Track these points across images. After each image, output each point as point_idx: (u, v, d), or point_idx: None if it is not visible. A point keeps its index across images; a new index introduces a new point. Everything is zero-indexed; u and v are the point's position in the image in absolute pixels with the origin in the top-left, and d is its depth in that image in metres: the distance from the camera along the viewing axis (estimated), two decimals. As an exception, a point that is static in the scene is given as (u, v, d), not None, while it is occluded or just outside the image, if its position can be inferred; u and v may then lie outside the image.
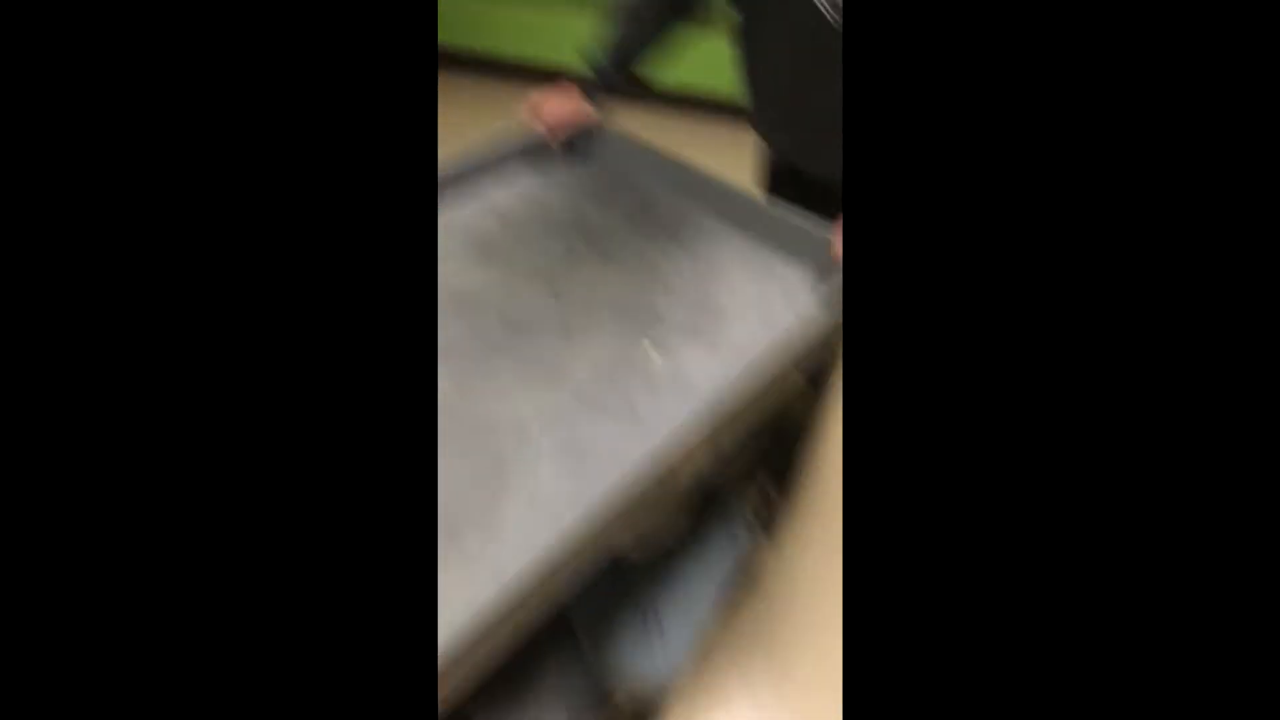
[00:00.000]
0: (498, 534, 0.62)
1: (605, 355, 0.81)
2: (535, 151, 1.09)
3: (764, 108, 1.06)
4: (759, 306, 0.89)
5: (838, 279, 0.88)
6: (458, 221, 0.99)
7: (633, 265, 0.94)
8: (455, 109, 2.56)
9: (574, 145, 1.13)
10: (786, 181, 1.14)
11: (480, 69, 2.76)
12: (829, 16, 0.88)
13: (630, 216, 1.02)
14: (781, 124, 1.06)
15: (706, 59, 2.02)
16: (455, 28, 2.66)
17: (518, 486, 0.66)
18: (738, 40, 1.01)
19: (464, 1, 2.61)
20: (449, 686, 0.54)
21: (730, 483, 1.15)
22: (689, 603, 1.07)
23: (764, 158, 1.18)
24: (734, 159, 1.29)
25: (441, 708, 0.55)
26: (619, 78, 1.08)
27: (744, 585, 1.30)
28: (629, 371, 0.79)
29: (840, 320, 0.88)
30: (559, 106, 1.07)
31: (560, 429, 0.72)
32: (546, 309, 0.86)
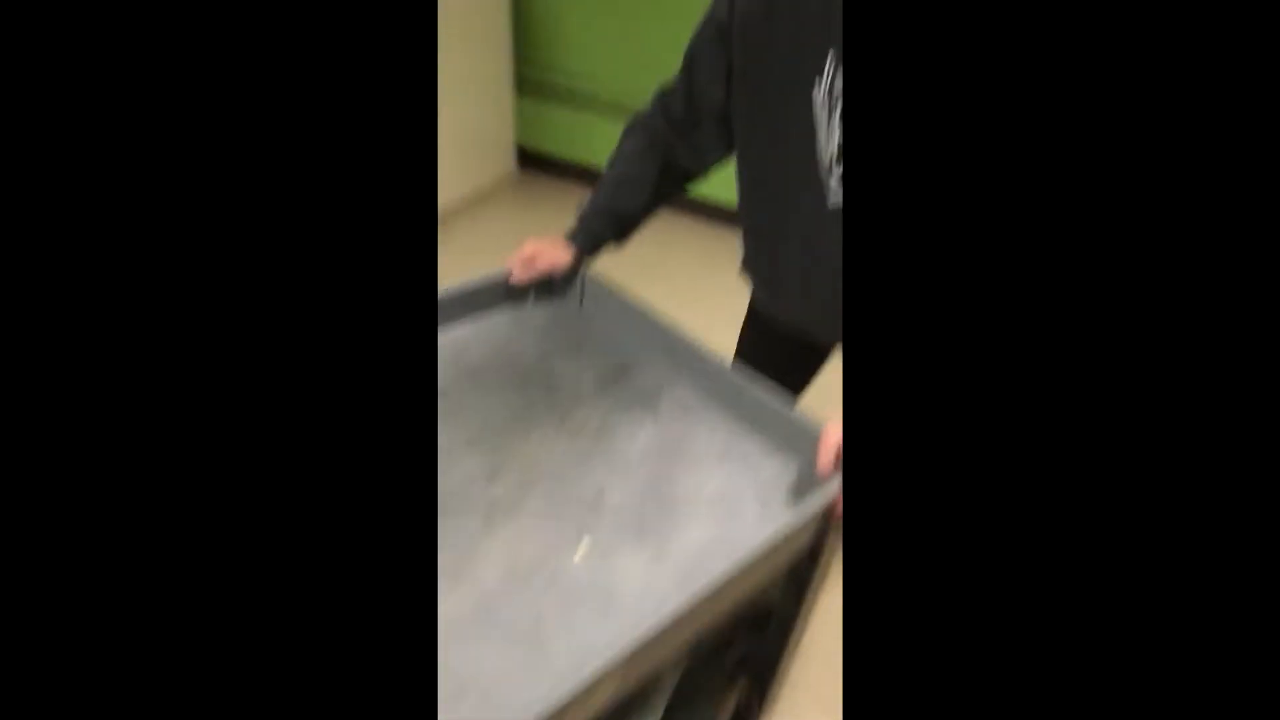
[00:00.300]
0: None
1: (525, 553, 0.69)
2: (513, 292, 1.03)
3: (754, 258, 0.98)
4: (725, 505, 0.76)
5: (829, 488, 0.73)
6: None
7: (590, 434, 0.83)
8: (531, 208, 2.75)
9: (553, 288, 1.06)
10: (764, 327, 1.05)
11: (557, 171, 2.91)
12: (830, 198, 0.80)
13: (601, 377, 0.93)
14: (769, 279, 0.98)
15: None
16: (534, 131, 2.84)
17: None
18: (739, 196, 0.94)
19: (544, 109, 2.77)
20: None
21: (690, 694, 0.99)
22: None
23: (751, 298, 1.09)
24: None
25: None
26: (606, 237, 1.02)
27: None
28: (547, 579, 0.67)
29: (825, 528, 0.75)
30: (538, 247, 1.01)
31: (443, 651, 0.60)
32: (475, 486, 0.76)
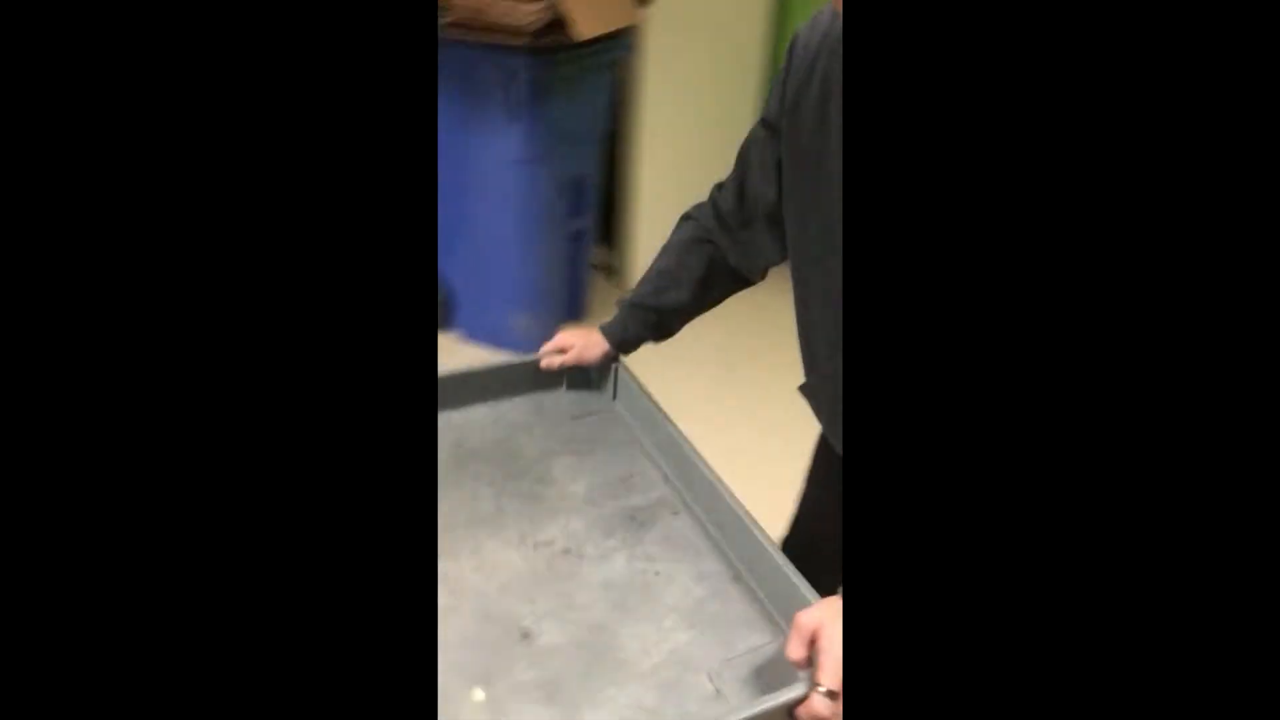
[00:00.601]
0: None
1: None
2: (537, 377, 0.95)
3: (810, 374, 0.84)
4: (670, 676, 0.62)
5: (792, 688, 0.56)
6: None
7: (551, 555, 0.72)
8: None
9: (579, 379, 0.97)
10: (830, 457, 0.88)
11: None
12: None
13: (596, 487, 0.81)
14: (830, 408, 0.82)
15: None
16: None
17: None
18: (796, 308, 0.81)
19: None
20: None
21: None
22: None
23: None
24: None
25: None
26: (643, 334, 0.92)
27: None
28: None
29: None
30: (570, 338, 0.94)
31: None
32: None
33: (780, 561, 0.67)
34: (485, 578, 0.70)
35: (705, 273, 0.88)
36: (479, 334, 2.28)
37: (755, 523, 0.71)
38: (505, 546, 0.74)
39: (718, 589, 0.70)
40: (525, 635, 0.65)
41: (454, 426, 0.90)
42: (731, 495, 0.75)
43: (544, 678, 0.61)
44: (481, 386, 0.94)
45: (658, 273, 0.90)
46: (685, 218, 0.91)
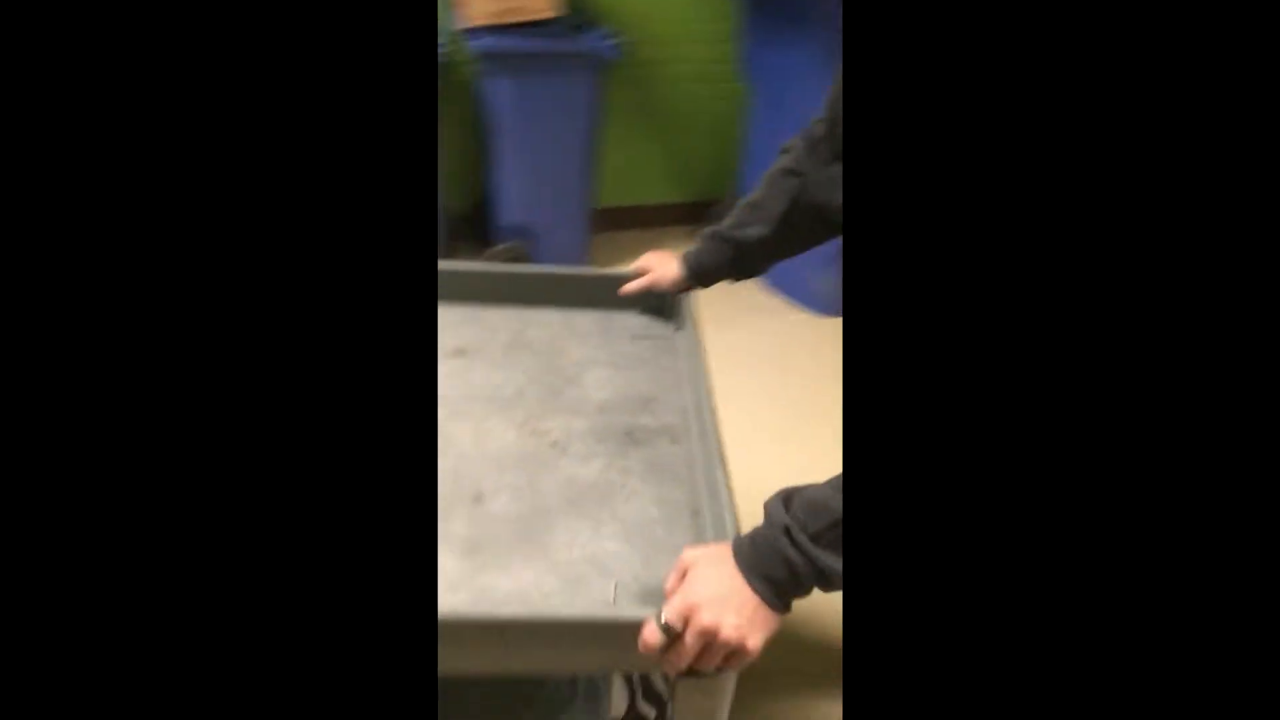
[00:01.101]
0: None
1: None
2: (612, 295, 0.98)
3: None
4: (590, 569, 0.64)
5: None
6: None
7: (538, 442, 0.77)
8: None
9: (655, 304, 0.98)
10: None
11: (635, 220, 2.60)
12: None
13: (610, 401, 0.84)
14: None
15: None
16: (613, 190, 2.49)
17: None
18: None
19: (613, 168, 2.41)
20: None
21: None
22: None
23: None
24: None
25: None
26: (721, 266, 0.91)
27: None
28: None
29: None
30: (651, 260, 0.95)
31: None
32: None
33: (727, 503, 0.65)
34: (474, 443, 0.76)
35: (788, 206, 0.84)
36: (782, 285, 2.22)
37: (722, 461, 0.70)
38: (506, 425, 0.79)
39: (671, 516, 0.70)
40: (477, 498, 0.70)
41: (520, 319, 0.96)
42: (715, 432, 0.73)
43: (471, 535, 0.66)
44: (556, 291, 0.99)
45: (745, 204, 0.88)
46: (784, 149, 0.87)
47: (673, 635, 0.52)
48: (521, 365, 0.89)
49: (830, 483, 0.53)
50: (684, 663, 0.53)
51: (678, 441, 0.79)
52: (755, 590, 0.52)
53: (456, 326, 0.94)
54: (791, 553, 0.51)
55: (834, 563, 0.51)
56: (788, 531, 0.52)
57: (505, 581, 0.63)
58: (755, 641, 0.52)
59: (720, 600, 0.52)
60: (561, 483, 0.73)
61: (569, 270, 1.01)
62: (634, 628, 0.53)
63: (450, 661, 0.50)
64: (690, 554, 0.56)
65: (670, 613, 0.52)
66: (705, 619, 0.51)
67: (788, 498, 0.54)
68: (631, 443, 0.79)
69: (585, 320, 0.98)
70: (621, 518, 0.70)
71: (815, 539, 0.51)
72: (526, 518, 0.69)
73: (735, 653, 0.52)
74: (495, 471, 0.73)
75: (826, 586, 0.52)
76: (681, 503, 0.72)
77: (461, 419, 0.79)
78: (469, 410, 0.81)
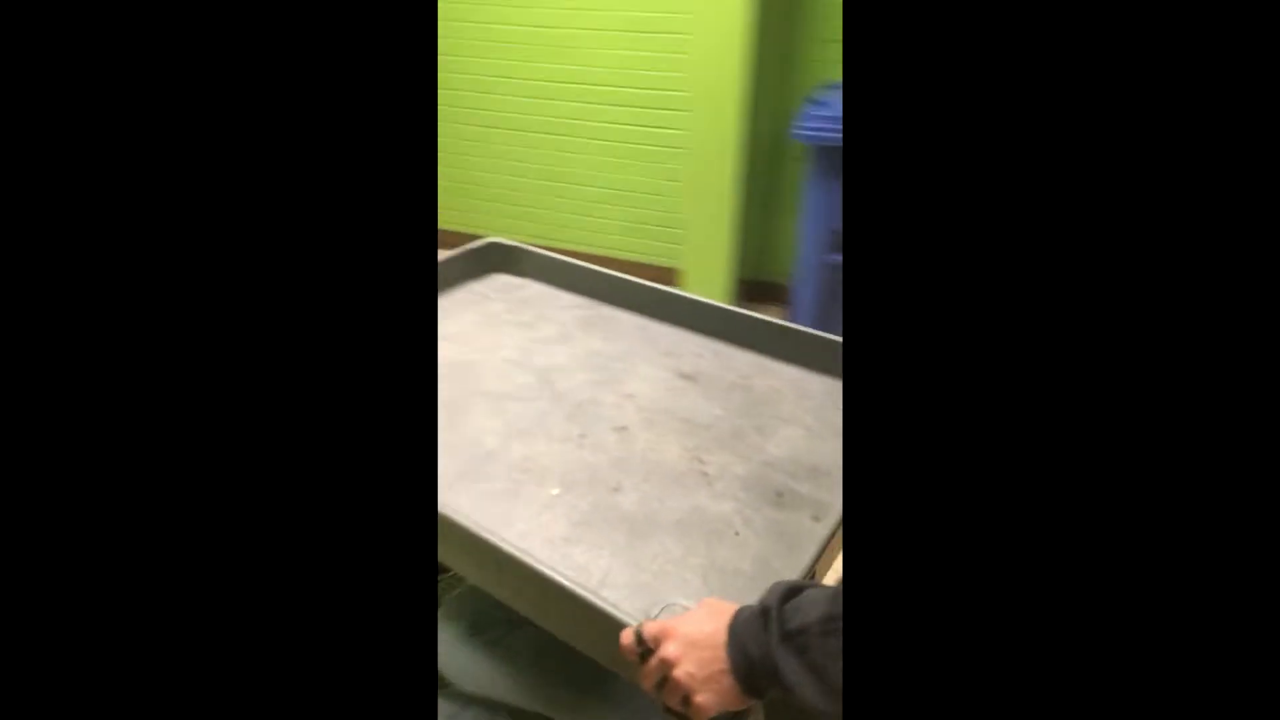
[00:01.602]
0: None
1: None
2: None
3: None
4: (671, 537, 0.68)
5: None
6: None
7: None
8: None
9: None
10: None
11: None
12: None
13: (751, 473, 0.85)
14: None
15: None
16: None
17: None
18: None
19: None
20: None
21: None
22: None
23: None
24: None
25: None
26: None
27: None
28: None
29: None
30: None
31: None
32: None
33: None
34: (645, 450, 0.86)
35: None
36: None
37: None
38: (679, 446, 0.87)
39: (760, 578, 0.71)
40: (615, 488, 0.80)
41: (759, 366, 1.02)
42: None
43: (590, 513, 0.76)
44: (798, 348, 1.02)
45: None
46: None
47: (644, 650, 0.56)
48: (731, 403, 0.95)
49: (835, 587, 0.51)
50: (645, 683, 0.56)
51: (819, 519, 0.78)
52: (728, 654, 0.53)
53: (696, 357, 1.04)
54: (758, 638, 0.51)
55: (788, 665, 0.49)
56: (764, 614, 0.51)
57: (582, 555, 0.71)
58: (705, 698, 0.52)
59: (692, 643, 0.54)
60: (688, 507, 0.78)
61: (813, 331, 1.04)
62: (616, 624, 0.58)
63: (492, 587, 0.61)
64: (711, 599, 0.58)
65: (648, 627, 0.56)
66: (671, 650, 0.54)
67: (792, 590, 0.53)
68: (773, 502, 0.80)
69: (817, 384, 1.00)
70: (714, 559, 0.73)
71: (785, 637, 0.50)
72: (640, 521, 0.76)
73: (688, 701, 0.53)
74: (642, 477, 0.82)
75: (785, 692, 0.50)
76: (779, 573, 0.72)
77: (649, 429, 0.89)
78: (659, 423, 0.90)
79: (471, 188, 2.82)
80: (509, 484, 0.80)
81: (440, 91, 2.63)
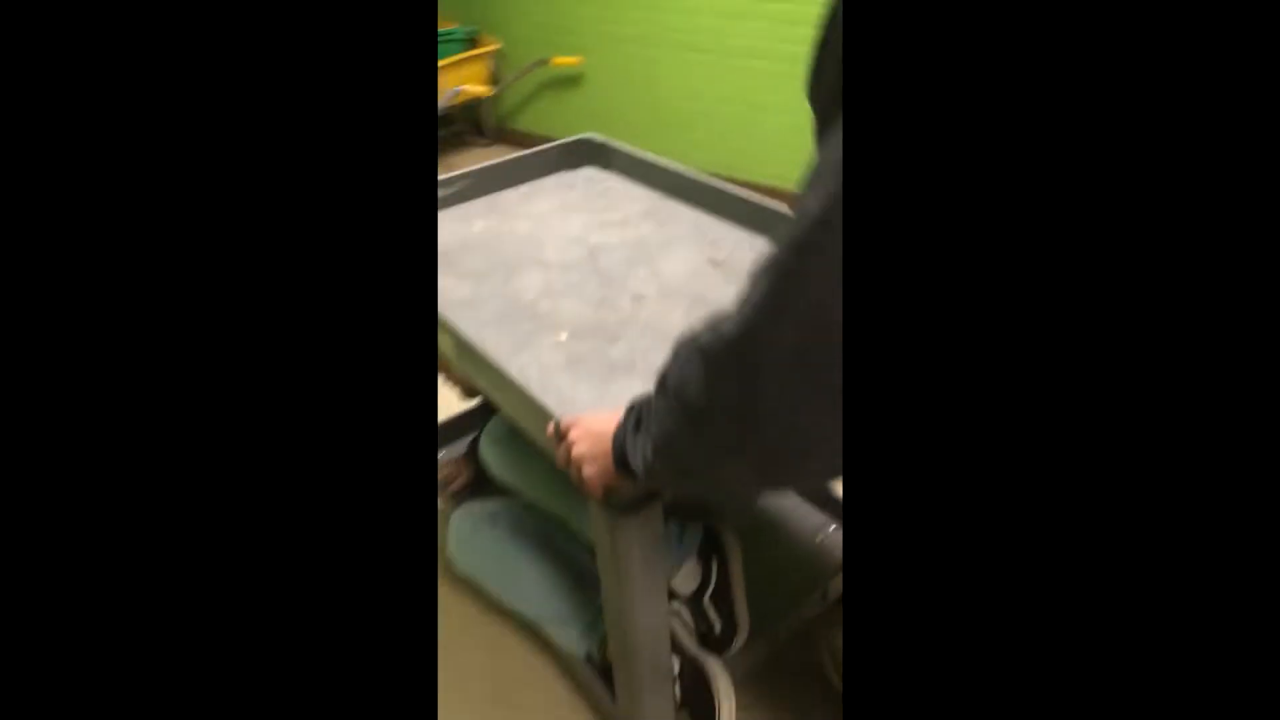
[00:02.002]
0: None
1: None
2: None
3: None
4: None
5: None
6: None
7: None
8: None
9: None
10: None
11: None
12: None
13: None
14: None
15: None
16: None
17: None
18: None
19: None
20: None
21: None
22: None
23: None
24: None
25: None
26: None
27: None
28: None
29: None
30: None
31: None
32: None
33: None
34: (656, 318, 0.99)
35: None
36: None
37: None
38: (685, 314, 0.99)
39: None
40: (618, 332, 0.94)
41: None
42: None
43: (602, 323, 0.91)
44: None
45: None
46: None
47: (560, 436, 0.71)
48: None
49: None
50: (559, 461, 0.71)
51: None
52: (612, 440, 0.66)
53: (734, 248, 1.13)
54: (623, 424, 0.64)
55: (631, 442, 0.61)
56: (633, 407, 0.64)
57: (562, 380, 0.87)
58: (590, 471, 0.67)
59: (590, 431, 0.68)
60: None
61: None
62: (548, 416, 0.74)
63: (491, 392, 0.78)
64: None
65: (565, 419, 0.71)
66: (573, 435, 0.68)
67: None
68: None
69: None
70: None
71: (628, 413, 0.62)
72: (621, 366, 0.90)
73: (580, 473, 0.68)
74: (639, 335, 0.95)
75: (632, 463, 0.62)
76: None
77: (662, 300, 1.02)
78: (674, 297, 1.02)
79: (666, 113, 2.77)
80: (531, 327, 0.97)
81: (639, 11, 2.68)
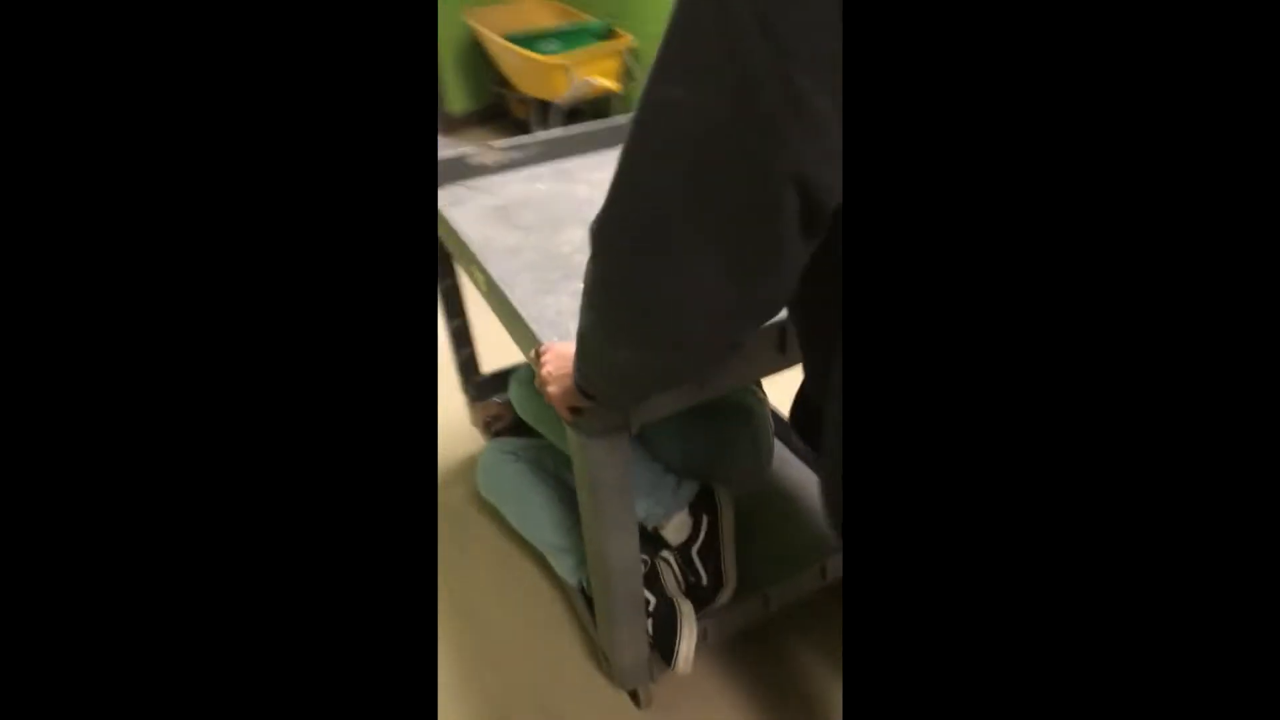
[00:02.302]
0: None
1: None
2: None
3: None
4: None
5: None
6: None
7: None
8: None
9: None
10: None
11: None
12: None
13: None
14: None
15: None
16: None
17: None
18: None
19: None
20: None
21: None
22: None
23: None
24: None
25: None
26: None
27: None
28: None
29: None
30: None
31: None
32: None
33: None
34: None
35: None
36: None
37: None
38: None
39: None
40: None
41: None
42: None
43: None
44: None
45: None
46: None
47: (538, 357, 0.80)
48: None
49: None
50: (537, 383, 0.80)
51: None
52: (575, 363, 0.74)
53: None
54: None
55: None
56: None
57: (572, 323, 0.95)
58: (554, 389, 0.75)
59: (560, 354, 0.76)
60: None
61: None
62: (536, 340, 0.83)
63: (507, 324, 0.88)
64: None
65: (544, 344, 0.80)
66: (547, 358, 0.77)
67: None
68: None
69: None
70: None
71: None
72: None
73: (548, 391, 0.77)
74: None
75: (579, 376, 0.69)
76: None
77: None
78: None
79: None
80: (559, 275, 1.06)
81: None
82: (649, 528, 1.15)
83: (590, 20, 3.18)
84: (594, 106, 3.42)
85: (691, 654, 1.01)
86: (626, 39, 3.16)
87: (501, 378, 1.66)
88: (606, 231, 0.50)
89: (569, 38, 3.22)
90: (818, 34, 0.37)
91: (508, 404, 1.48)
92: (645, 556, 1.14)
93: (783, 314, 0.78)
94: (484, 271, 1.02)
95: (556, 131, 1.41)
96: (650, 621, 1.06)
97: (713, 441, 1.19)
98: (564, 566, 1.18)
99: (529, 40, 3.12)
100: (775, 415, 1.46)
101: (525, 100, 3.25)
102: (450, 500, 1.53)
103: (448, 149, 1.32)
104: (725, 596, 1.12)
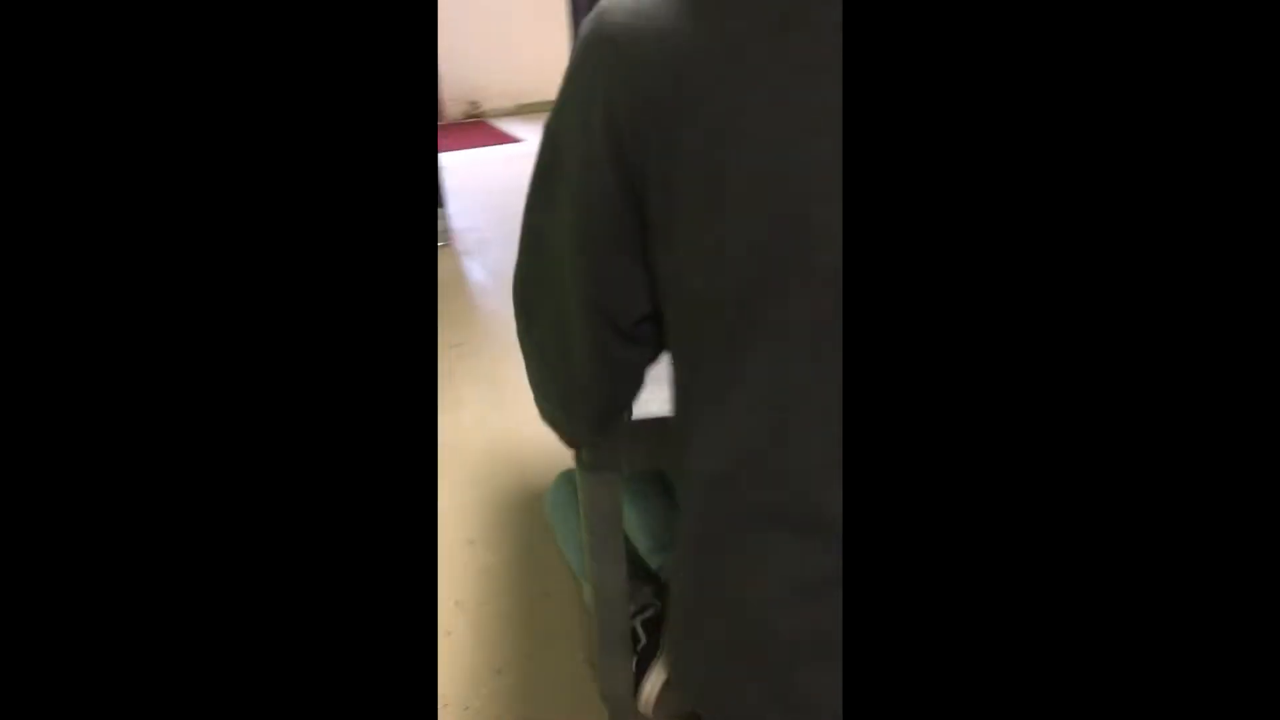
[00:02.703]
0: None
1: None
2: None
3: None
4: None
5: None
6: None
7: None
8: None
9: None
10: None
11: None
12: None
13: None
14: None
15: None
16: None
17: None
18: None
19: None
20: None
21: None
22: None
23: None
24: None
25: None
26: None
27: None
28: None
29: None
30: None
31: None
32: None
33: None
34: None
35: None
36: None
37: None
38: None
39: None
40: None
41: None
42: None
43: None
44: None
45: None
46: None
47: None
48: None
49: None
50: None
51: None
52: None
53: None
54: None
55: None
56: None
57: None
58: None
59: None
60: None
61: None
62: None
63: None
64: None
65: None
66: None
67: None
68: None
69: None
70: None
71: None
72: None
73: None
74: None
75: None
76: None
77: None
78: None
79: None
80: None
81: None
82: (664, 579, 1.22)
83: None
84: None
85: (654, 696, 1.07)
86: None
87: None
88: (517, 285, 0.66)
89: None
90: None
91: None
92: (658, 602, 1.22)
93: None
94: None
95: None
96: (635, 660, 1.14)
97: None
98: (588, 592, 1.29)
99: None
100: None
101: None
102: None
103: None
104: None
